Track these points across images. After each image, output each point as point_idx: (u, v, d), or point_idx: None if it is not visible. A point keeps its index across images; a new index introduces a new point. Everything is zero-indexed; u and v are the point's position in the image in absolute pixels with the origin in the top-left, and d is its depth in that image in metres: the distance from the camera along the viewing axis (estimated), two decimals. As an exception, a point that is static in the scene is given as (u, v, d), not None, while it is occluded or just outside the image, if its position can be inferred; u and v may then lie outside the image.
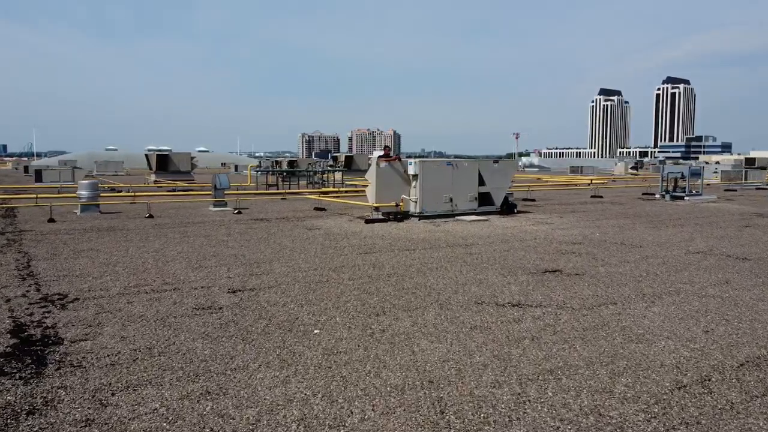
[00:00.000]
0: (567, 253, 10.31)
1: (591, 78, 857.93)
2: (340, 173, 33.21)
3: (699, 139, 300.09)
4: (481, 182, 16.12)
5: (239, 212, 16.77)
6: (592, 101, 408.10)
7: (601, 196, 23.80)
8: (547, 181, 35.83)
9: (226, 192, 18.64)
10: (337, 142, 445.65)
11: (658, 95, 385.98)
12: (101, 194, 23.68)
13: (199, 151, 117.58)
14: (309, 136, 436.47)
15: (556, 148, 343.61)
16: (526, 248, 10.85)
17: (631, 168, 56.77)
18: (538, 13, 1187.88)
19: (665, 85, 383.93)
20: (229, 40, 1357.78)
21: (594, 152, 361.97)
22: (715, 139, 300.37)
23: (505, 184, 16.73)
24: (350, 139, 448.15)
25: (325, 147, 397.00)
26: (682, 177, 23.09)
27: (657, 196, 23.18)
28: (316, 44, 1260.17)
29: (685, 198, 22.05)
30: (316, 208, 18.00)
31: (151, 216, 15.59)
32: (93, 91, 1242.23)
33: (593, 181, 31.15)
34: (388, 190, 15.16)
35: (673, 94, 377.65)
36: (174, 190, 25.86)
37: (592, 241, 11.74)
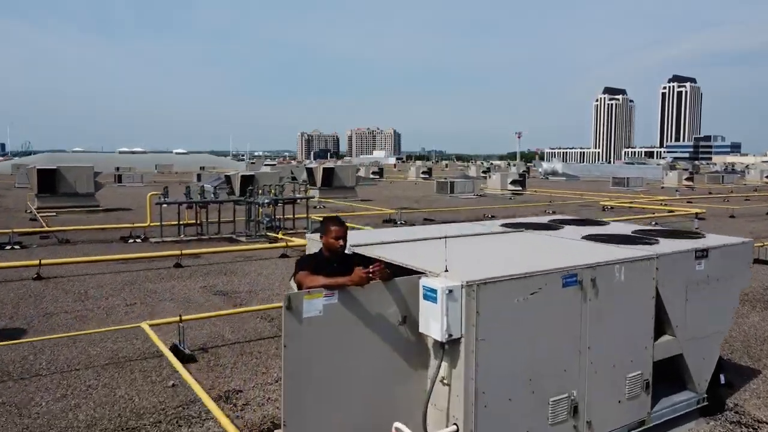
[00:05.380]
0: None
1: (593, 76, 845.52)
2: (314, 195, 22.11)
3: (708, 138, 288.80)
4: (660, 324, 4.86)
5: None
6: (597, 100, 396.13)
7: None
8: (611, 208, 24.49)
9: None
10: (336, 141, 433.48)
11: (663, 94, 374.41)
12: None
13: (177, 153, 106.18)
14: (308, 135, 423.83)
15: (560, 148, 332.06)
16: None
17: (686, 179, 45.42)
18: (538, 11, 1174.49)
19: (671, 84, 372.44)
20: (229, 39, 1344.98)
21: (598, 152, 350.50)
22: (723, 139, 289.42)
23: (722, 323, 5.36)
24: (350, 138, 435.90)
25: (324, 146, 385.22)
26: None
27: None
28: (316, 43, 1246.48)
29: None
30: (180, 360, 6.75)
31: None
32: (92, 90, 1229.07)
33: (699, 215, 19.92)
34: (342, 396, 3.87)
35: (680, 93, 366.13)
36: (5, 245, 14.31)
37: None
